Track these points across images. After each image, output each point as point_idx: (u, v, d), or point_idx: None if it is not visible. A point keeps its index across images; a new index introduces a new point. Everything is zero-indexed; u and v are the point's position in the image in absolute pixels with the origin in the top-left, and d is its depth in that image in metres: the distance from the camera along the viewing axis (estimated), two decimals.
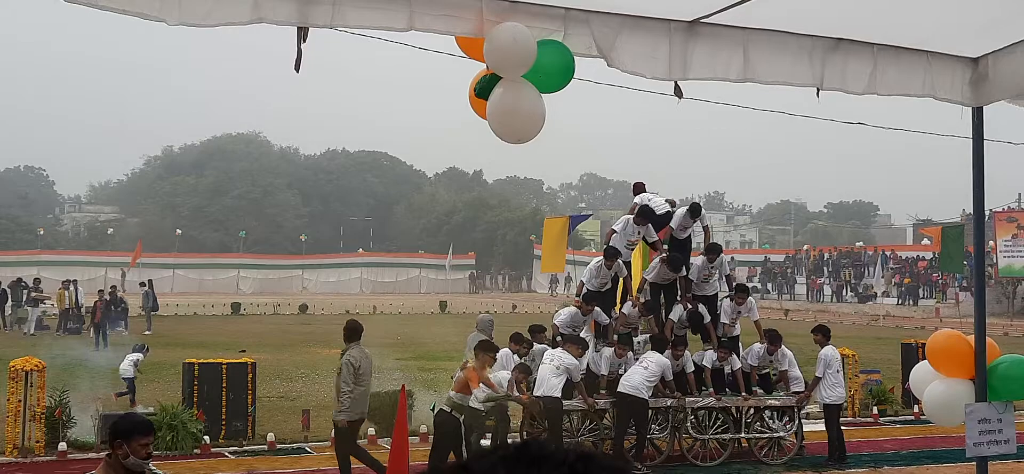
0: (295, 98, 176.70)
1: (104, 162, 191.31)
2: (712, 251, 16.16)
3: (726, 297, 16.54)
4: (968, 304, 37.92)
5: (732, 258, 58.45)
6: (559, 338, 15.15)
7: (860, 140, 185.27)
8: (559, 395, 13.93)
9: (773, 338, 15.60)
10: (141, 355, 19.65)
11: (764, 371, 15.89)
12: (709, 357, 15.40)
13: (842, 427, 15.54)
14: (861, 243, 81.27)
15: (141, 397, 18.78)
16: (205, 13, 4.86)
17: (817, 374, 15.15)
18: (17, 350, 22.44)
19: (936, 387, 8.32)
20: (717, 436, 14.98)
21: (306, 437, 16.50)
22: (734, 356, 15.38)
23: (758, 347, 15.70)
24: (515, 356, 15.07)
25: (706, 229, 17.43)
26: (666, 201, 16.80)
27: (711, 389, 15.20)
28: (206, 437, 15.43)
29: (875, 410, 19.51)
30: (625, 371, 14.68)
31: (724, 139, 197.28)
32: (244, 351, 25.93)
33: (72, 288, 39.67)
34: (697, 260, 16.38)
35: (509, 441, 15.02)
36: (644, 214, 16.01)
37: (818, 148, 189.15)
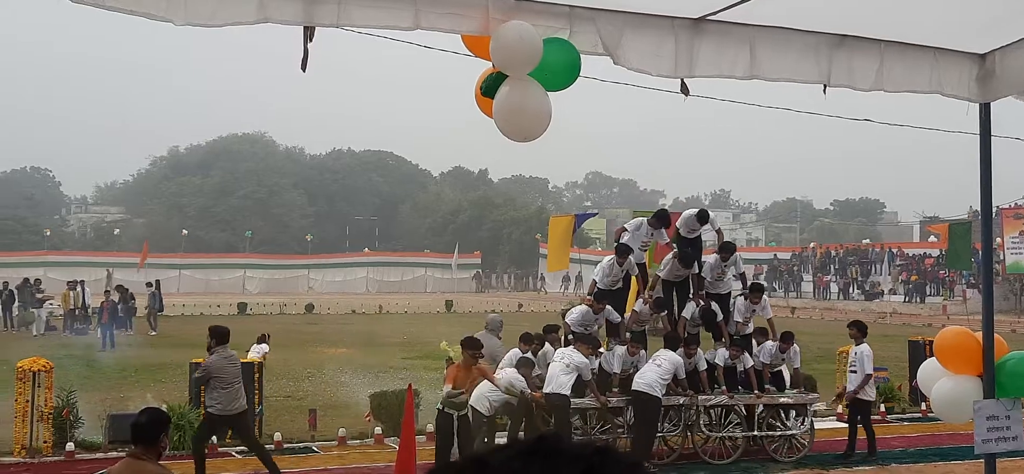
0: (300, 98, 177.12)
1: (110, 163, 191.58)
2: (726, 250, 16.16)
3: (739, 295, 16.53)
4: (976, 301, 37.84)
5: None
6: (570, 337, 15.16)
7: (866, 137, 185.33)
8: (568, 392, 13.93)
9: (786, 337, 15.67)
10: (267, 346, 20.32)
11: (776, 368, 15.90)
12: (721, 355, 15.39)
13: (849, 423, 15.62)
14: (868, 240, 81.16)
15: (144, 398, 18.78)
16: (211, 13, 4.86)
17: (867, 371, 15.29)
18: (24, 351, 22.46)
19: (944, 384, 8.31)
20: (730, 434, 14.98)
21: (313, 436, 16.51)
22: (746, 354, 15.37)
23: (770, 345, 15.71)
24: (552, 348, 15.15)
25: (719, 232, 17.53)
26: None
27: (723, 387, 15.18)
28: (213, 437, 15.43)
29: (882, 408, 19.48)
30: (636, 370, 14.69)
31: (730, 137, 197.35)
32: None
33: (78, 288, 39.77)
34: (710, 258, 16.36)
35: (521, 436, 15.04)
36: (660, 217, 16.00)
37: (824, 145, 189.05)
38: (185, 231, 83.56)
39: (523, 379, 14.24)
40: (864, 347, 15.45)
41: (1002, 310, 44.32)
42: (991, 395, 7.77)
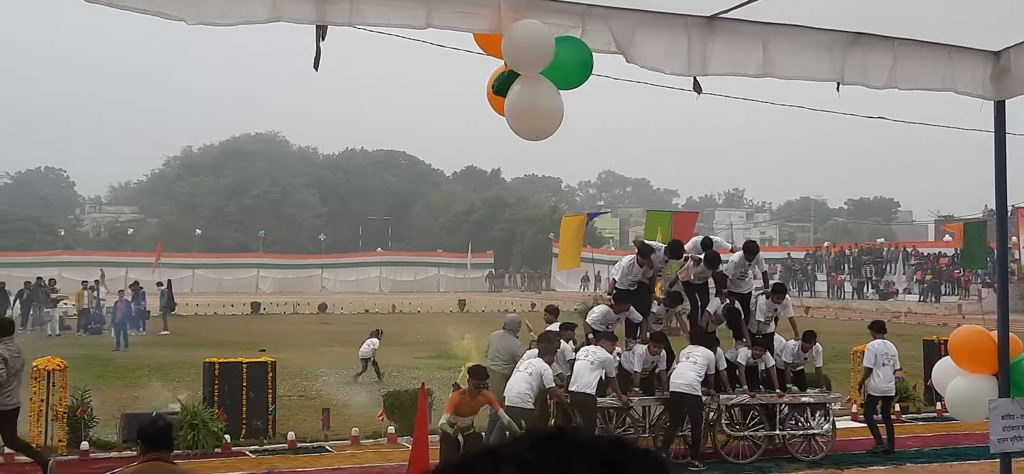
0: (312, 98, 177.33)
1: (124, 163, 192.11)
2: (750, 249, 16.14)
3: (761, 294, 16.52)
4: (991, 300, 37.62)
5: None
6: (590, 336, 15.20)
7: (880, 136, 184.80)
8: (593, 391, 13.96)
9: (808, 336, 15.70)
10: (378, 340, 21.56)
11: (798, 368, 15.91)
12: (743, 354, 15.37)
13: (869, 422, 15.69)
14: (882, 240, 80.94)
15: (160, 398, 18.82)
16: (222, 12, 4.87)
17: (867, 364, 15.62)
18: (40, 350, 22.55)
19: (959, 383, 8.27)
20: (751, 433, 14.97)
21: (326, 436, 16.53)
22: (768, 353, 15.35)
23: (792, 344, 15.73)
24: (569, 346, 15.21)
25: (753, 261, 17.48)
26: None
27: (745, 386, 15.16)
28: (227, 436, 15.48)
29: (897, 407, 19.40)
30: (657, 369, 14.75)
31: (744, 136, 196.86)
32: (264, 350, 26.02)
33: (94, 288, 39.93)
34: (734, 256, 16.33)
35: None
36: (673, 250, 15.95)
37: (838, 144, 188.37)
38: (198, 231, 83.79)
39: (549, 370, 14.24)
40: (873, 342, 15.67)
41: (1017, 309, 44.06)
42: (1007, 394, 7.73)
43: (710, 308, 15.71)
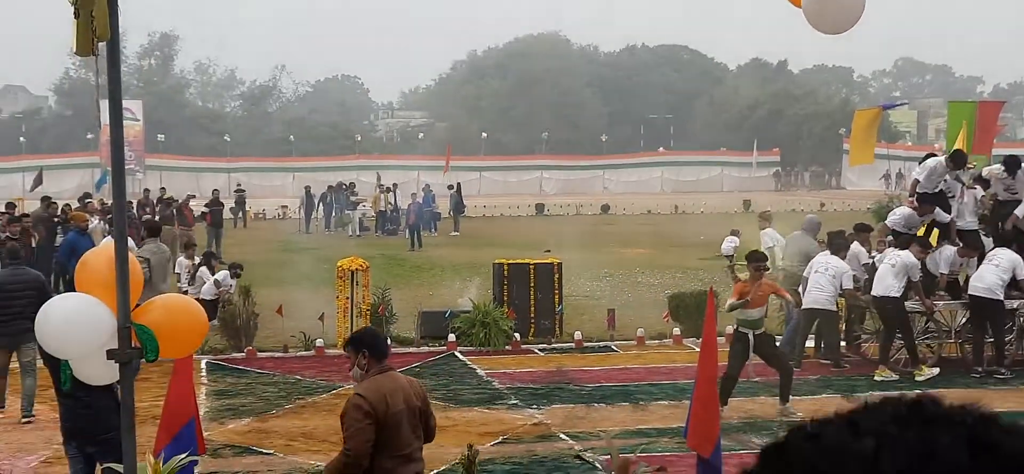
0: None
1: (414, 68, 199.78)
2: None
3: None
4: None
5: None
6: (890, 238, 14.61)
7: None
8: (899, 295, 13.43)
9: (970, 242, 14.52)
10: (738, 239, 22.32)
11: (953, 276, 14.72)
12: None
13: None
14: None
15: (451, 295, 19.53)
16: None
17: None
18: (342, 251, 23.98)
19: None
20: None
21: (612, 336, 16.70)
22: None
23: (949, 250, 14.51)
24: (863, 249, 14.80)
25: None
26: None
27: None
28: (516, 334, 15.94)
29: None
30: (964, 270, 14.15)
31: None
32: (549, 251, 26.58)
33: (389, 189, 42.03)
34: None
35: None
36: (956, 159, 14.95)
37: None
38: (484, 134, 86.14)
39: (849, 270, 13.89)
40: None
41: None
42: None
43: (1018, 211, 14.63)
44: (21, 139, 77.96)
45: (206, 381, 13.62)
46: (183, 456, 6.58)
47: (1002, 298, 13.55)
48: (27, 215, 20.07)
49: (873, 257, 14.72)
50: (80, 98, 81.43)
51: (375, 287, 16.50)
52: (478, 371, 14.23)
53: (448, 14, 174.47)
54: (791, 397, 11.87)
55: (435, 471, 9.36)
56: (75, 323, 4.56)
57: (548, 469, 9.98)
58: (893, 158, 58.61)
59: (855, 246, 14.94)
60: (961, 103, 25.10)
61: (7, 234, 16.68)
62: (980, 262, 14.17)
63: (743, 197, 59.48)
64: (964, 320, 14.50)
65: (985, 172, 15.84)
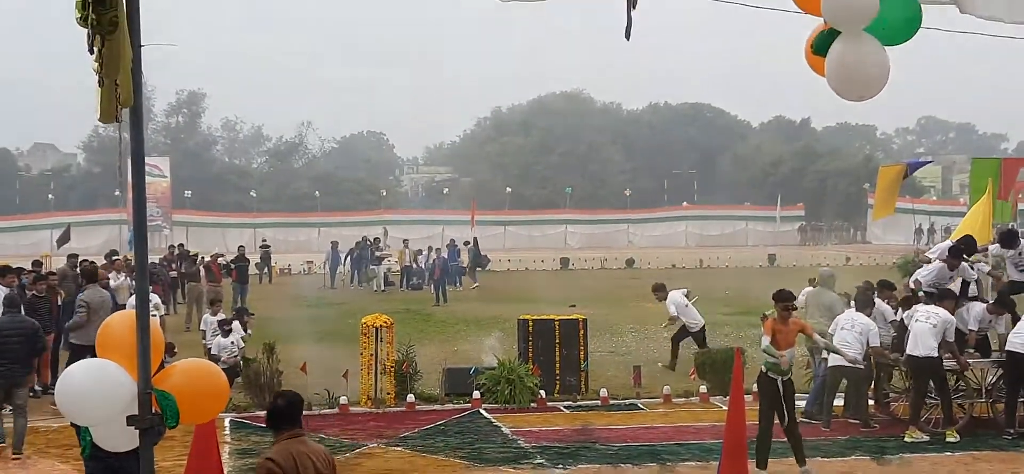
0: (616, 55, 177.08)
1: (438, 125, 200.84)
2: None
3: None
4: None
5: None
6: (922, 294, 14.47)
7: None
8: (936, 355, 13.31)
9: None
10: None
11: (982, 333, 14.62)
12: None
13: None
14: None
15: (479, 351, 19.42)
16: None
17: None
18: (367, 306, 23.96)
19: None
20: None
21: (638, 393, 16.54)
22: None
23: (979, 307, 14.45)
24: (888, 307, 14.78)
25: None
26: None
27: None
28: (542, 391, 15.80)
29: None
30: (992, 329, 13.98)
31: None
32: (574, 306, 26.45)
33: (417, 250, 42.20)
34: None
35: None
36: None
37: None
38: (508, 188, 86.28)
39: (875, 327, 13.82)
40: None
41: None
42: None
43: None
44: (50, 196, 78.66)
45: (230, 439, 13.54)
46: None
47: None
48: (53, 273, 20.15)
49: (899, 315, 14.64)
50: (108, 155, 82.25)
51: (399, 343, 16.43)
52: (503, 429, 14.10)
53: (472, 72, 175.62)
54: (819, 458, 11.65)
55: None
56: (95, 389, 4.51)
57: None
58: (919, 212, 58.33)
59: (880, 304, 14.83)
60: (985, 159, 24.95)
61: (33, 292, 16.73)
62: (1015, 321, 14.00)
63: (768, 251, 59.16)
64: (995, 378, 14.28)
65: (989, 255, 15.69)
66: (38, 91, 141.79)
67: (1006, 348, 13.65)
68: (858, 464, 12.39)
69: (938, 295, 14.06)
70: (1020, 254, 14.95)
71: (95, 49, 3.93)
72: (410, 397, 15.56)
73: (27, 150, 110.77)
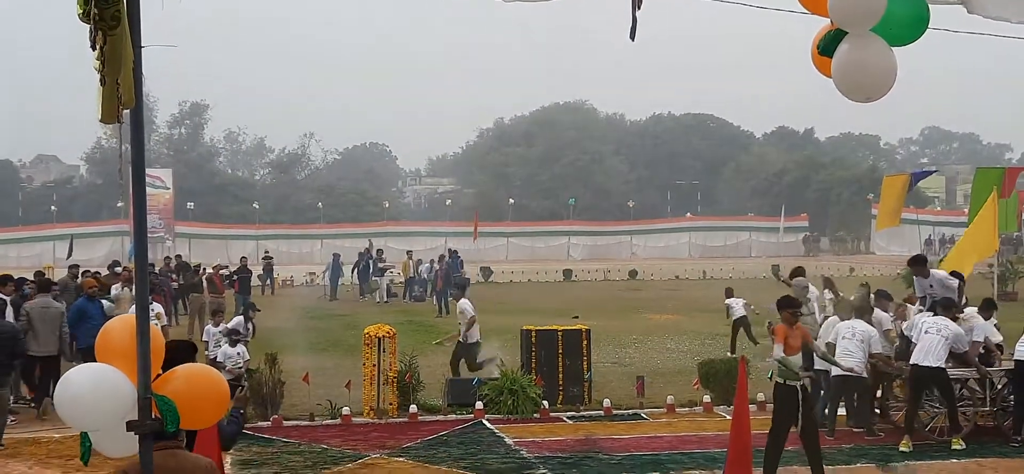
0: (619, 65, 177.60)
1: (441, 137, 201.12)
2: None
3: None
4: None
5: None
6: (917, 306, 14.48)
7: None
8: (944, 365, 13.29)
9: None
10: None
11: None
12: None
13: None
14: None
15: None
16: None
17: None
18: (370, 317, 23.92)
19: None
20: None
21: (641, 403, 16.48)
22: None
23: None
24: (886, 315, 14.82)
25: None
26: None
27: None
28: (545, 402, 15.75)
29: None
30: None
31: None
32: (577, 317, 26.40)
33: (419, 260, 42.11)
34: None
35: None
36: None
37: None
38: (511, 200, 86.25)
39: (876, 334, 13.82)
40: None
41: None
42: None
43: None
44: (53, 208, 78.71)
45: (232, 450, 13.48)
46: None
47: None
48: (55, 284, 20.11)
49: (897, 324, 14.67)
50: (111, 167, 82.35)
51: (402, 354, 16.38)
52: (506, 440, 14.04)
53: (475, 84, 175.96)
54: (825, 466, 11.57)
55: None
56: (93, 394, 4.47)
57: None
58: (923, 223, 58.22)
59: (878, 312, 14.81)
60: (989, 169, 24.91)
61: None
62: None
63: (772, 262, 59.05)
64: (1000, 387, 14.22)
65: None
66: (41, 103, 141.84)
67: (1015, 357, 13.62)
68: (864, 471, 12.35)
69: (943, 305, 14.01)
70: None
71: (97, 46, 3.90)
72: (413, 408, 15.51)
73: (29, 162, 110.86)
